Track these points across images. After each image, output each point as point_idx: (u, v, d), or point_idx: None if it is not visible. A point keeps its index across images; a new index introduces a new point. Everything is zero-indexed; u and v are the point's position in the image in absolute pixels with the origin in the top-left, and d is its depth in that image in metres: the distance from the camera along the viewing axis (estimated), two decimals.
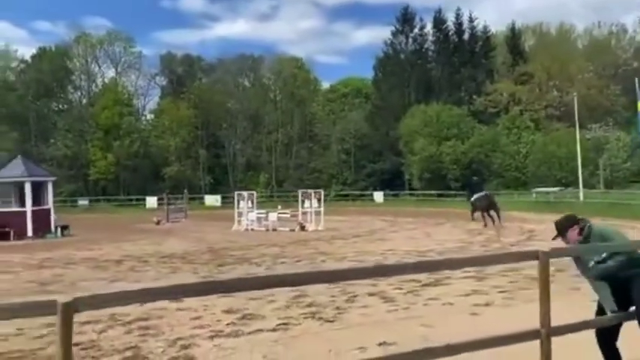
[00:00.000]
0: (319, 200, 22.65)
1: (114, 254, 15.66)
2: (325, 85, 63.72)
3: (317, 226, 22.15)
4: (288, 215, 23.29)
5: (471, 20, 52.96)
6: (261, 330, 6.78)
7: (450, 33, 53.29)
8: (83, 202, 45.39)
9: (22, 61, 57.33)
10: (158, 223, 28.68)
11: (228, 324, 7.15)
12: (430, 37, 53.67)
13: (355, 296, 8.48)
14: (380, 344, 5.89)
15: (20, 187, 20.59)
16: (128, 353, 6.01)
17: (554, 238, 4.57)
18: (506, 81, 50.11)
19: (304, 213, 22.69)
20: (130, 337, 6.65)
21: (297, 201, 38.49)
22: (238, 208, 24.40)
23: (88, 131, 51.15)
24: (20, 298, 9.61)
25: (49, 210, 21.30)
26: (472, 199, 23.56)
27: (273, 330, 6.81)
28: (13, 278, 11.92)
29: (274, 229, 22.33)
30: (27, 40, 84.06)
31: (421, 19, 53.93)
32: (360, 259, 13.06)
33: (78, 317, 7.77)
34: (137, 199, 46.93)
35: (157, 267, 12.96)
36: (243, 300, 8.13)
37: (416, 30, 53.47)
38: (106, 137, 49.74)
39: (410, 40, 53.60)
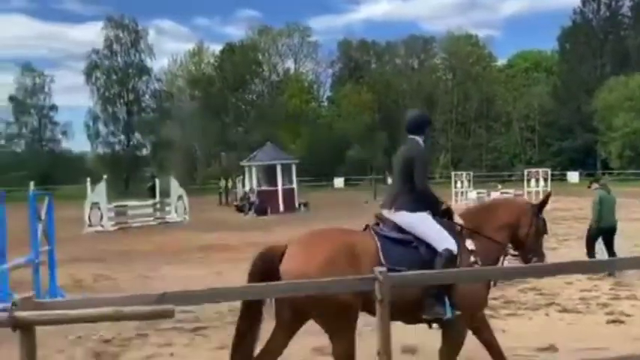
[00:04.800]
0: (545, 180, 22.56)
1: None
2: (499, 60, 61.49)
3: None
4: (512, 195, 23.51)
5: None
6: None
7: None
8: None
9: (214, 55, 63.89)
10: (367, 202, 30.76)
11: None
12: (627, 2, 49.15)
13: None
14: None
15: (272, 169, 23.70)
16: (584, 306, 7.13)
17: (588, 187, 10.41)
18: None
19: (528, 192, 22.77)
20: (532, 296, 7.81)
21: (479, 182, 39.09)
22: (455, 187, 25.25)
23: (278, 119, 55.63)
24: None
25: (293, 189, 24.24)
26: None
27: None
28: None
29: None
30: (189, 37, 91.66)
31: None
32: None
33: None
34: (326, 181, 50.25)
35: None
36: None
37: None
38: (294, 124, 53.81)
39: (602, 7, 49.52)
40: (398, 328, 3.80)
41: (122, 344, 6.40)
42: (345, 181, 48.55)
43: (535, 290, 8.07)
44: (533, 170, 23.22)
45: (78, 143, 66.80)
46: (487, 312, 7.06)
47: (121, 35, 50.52)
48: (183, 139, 60.18)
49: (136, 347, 6.32)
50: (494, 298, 7.74)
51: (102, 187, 19.39)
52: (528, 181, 22.60)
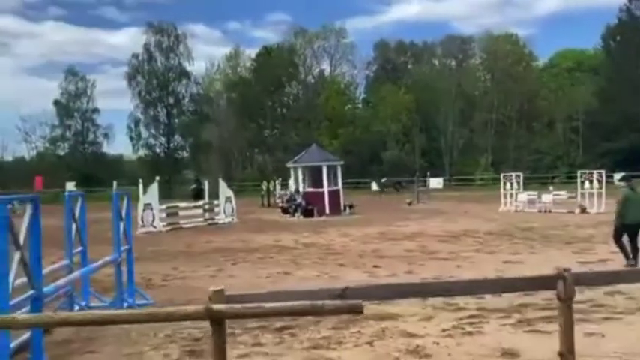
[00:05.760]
0: (599, 182, 21.89)
1: (453, 230, 16.99)
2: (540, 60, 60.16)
3: (598, 208, 21.45)
4: (565, 197, 22.96)
5: None
6: None
7: None
8: None
9: (250, 59, 64.26)
10: (410, 204, 30.47)
11: None
12: None
13: None
14: None
15: (318, 170, 23.66)
16: None
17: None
18: None
19: (582, 194, 22.15)
20: (622, 301, 7.54)
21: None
22: (504, 189, 24.75)
23: (315, 120, 55.70)
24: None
25: (339, 191, 24.15)
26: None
27: None
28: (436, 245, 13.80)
29: (549, 211, 22.20)
30: (221, 41, 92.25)
31: None
32: None
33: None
34: (363, 183, 49.93)
35: (535, 242, 14.13)
36: None
37: None
38: (331, 125, 53.75)
39: None
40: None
41: None
42: (380, 183, 48.03)
43: (621, 294, 7.78)
44: (587, 172, 22.52)
45: (114, 146, 68.28)
46: (578, 315, 6.88)
47: (161, 40, 51.51)
48: (220, 142, 60.87)
49: (228, 346, 6.31)
50: (582, 302, 7.50)
51: (154, 188, 19.72)
52: (582, 182, 21.96)
